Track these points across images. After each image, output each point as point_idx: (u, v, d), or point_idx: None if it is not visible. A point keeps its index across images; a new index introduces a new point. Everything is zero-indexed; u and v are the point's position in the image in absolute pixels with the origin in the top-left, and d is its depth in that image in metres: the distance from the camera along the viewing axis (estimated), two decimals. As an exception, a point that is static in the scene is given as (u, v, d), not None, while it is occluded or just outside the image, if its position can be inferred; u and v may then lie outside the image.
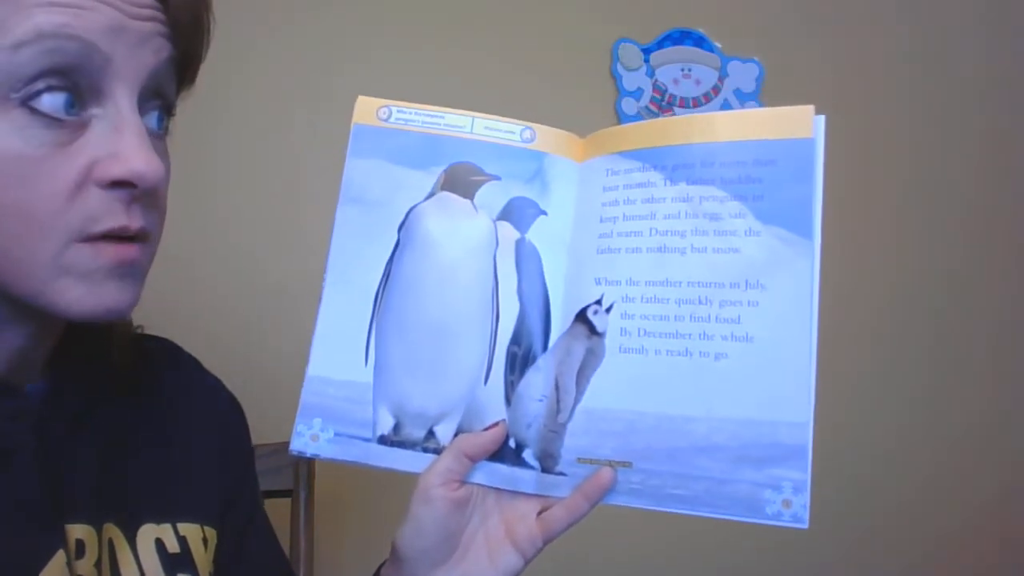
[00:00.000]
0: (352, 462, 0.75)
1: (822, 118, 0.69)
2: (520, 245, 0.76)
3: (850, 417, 1.69)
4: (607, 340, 0.72)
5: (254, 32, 1.42)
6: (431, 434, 0.76)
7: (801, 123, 0.69)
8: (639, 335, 0.71)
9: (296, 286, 1.37)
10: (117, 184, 0.58)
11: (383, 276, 0.76)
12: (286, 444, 0.77)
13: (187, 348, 0.85)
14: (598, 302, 0.73)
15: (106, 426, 0.70)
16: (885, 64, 1.85)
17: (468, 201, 0.77)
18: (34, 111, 0.55)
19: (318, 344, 0.76)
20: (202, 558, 0.73)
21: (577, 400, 0.73)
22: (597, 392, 0.72)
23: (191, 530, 0.73)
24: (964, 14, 1.89)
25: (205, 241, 1.36)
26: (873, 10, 1.85)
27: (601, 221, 0.74)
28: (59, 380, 0.68)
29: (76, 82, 0.56)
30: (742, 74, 1.74)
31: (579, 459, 0.72)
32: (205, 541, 0.74)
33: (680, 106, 1.72)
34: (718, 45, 1.74)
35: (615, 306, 0.72)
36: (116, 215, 0.58)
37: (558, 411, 0.73)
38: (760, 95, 1.74)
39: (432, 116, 0.78)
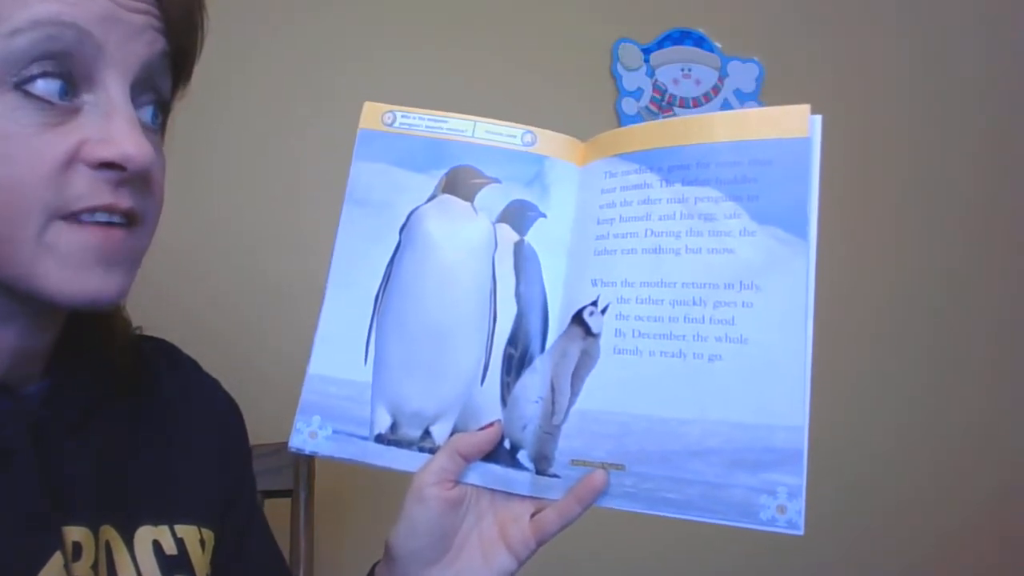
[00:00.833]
0: (349, 460, 0.76)
1: (818, 118, 0.68)
2: (519, 247, 0.77)
3: (849, 416, 1.69)
4: (602, 341, 0.72)
5: (254, 32, 1.43)
6: (427, 434, 0.76)
7: (797, 123, 0.69)
8: (633, 336, 0.71)
9: (296, 286, 1.38)
10: (105, 166, 0.58)
11: (384, 277, 0.77)
12: (286, 444, 0.77)
13: (186, 348, 0.85)
14: (594, 303, 0.73)
15: (104, 428, 0.70)
16: (885, 64, 1.85)
17: (468, 204, 0.77)
18: (27, 94, 0.56)
19: (319, 342, 0.77)
20: (200, 560, 0.73)
21: (572, 402, 0.73)
22: (591, 394, 0.72)
23: (188, 532, 0.73)
24: (964, 14, 1.89)
25: (205, 241, 1.37)
26: (873, 10, 1.85)
27: (598, 223, 0.75)
28: (58, 382, 0.68)
29: (69, 69, 0.57)
30: (742, 74, 1.75)
31: (573, 461, 0.72)
32: (203, 543, 0.74)
33: (680, 106, 1.72)
34: (718, 45, 1.74)
35: (610, 307, 0.72)
36: (102, 194, 0.58)
37: (553, 412, 0.73)
38: (760, 95, 1.74)
39: (435, 120, 0.79)
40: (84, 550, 0.64)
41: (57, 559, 0.61)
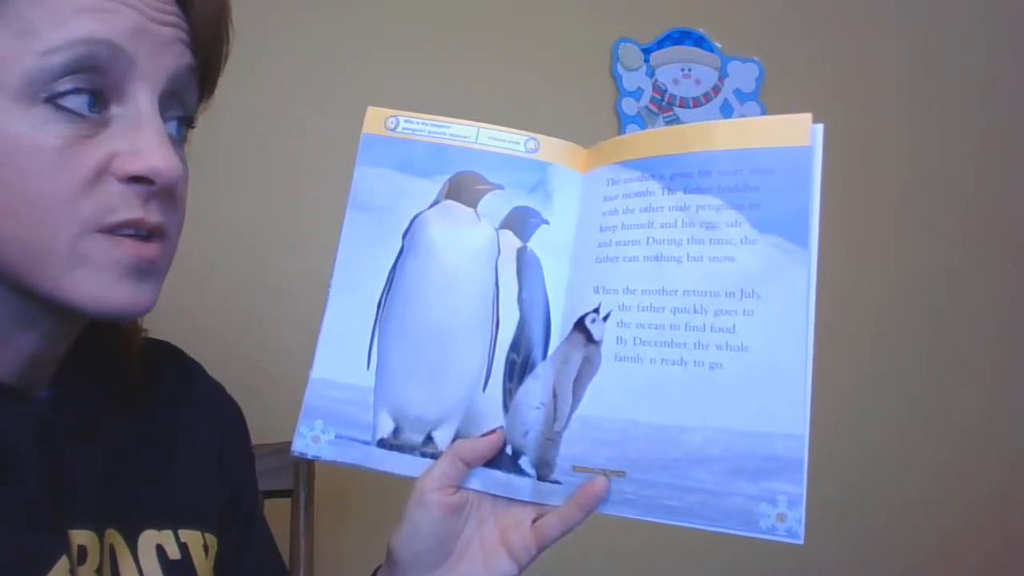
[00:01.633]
0: (351, 464, 0.76)
1: (820, 127, 0.68)
2: (522, 254, 0.77)
3: (850, 417, 1.70)
4: (603, 348, 0.72)
5: (254, 32, 1.42)
6: (429, 439, 0.76)
7: (799, 131, 0.69)
8: (635, 344, 0.71)
9: (297, 287, 1.38)
10: (135, 179, 0.59)
11: (387, 282, 0.77)
12: (287, 444, 0.78)
13: (189, 348, 0.85)
14: (596, 310, 0.73)
15: (110, 432, 0.70)
16: (885, 64, 1.85)
17: (471, 210, 0.77)
18: (58, 107, 0.56)
19: (322, 347, 0.77)
20: (203, 565, 0.74)
21: (573, 408, 0.73)
22: (593, 400, 0.72)
23: (192, 536, 0.74)
24: (964, 14, 1.88)
25: (206, 242, 1.36)
26: (873, 10, 1.85)
27: (601, 230, 0.75)
28: (65, 387, 0.68)
29: (100, 83, 0.58)
30: (742, 74, 1.74)
31: (574, 467, 0.72)
32: (206, 548, 0.75)
33: (680, 106, 1.72)
34: (718, 45, 1.74)
35: (612, 314, 0.73)
36: (132, 208, 0.59)
37: (555, 419, 0.73)
38: (760, 95, 1.74)
39: (438, 126, 0.79)
40: (89, 554, 0.64)
41: (63, 563, 0.61)
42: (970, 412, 1.81)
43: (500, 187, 0.78)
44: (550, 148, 0.79)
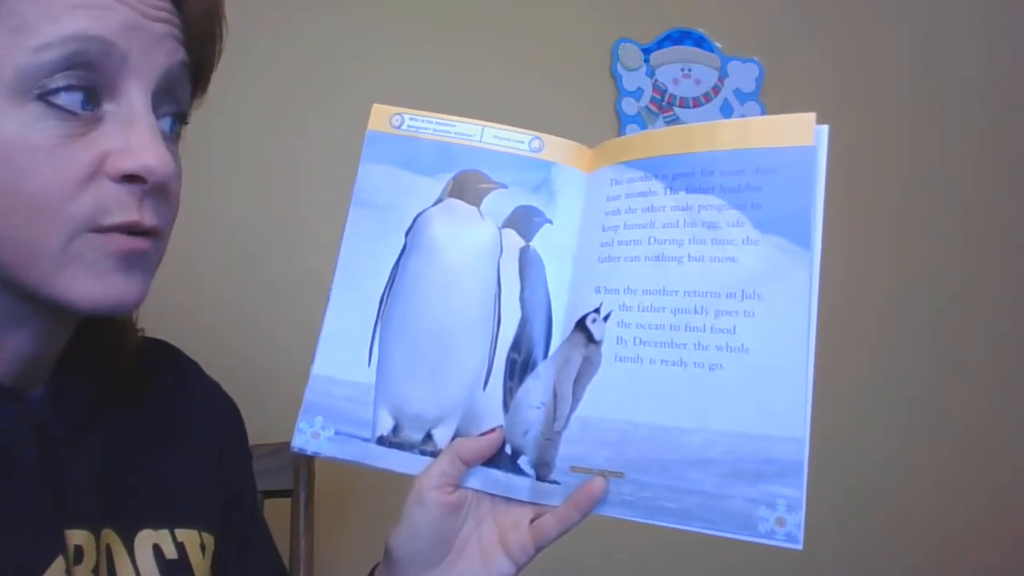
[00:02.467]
0: (351, 461, 0.76)
1: (825, 128, 0.68)
2: (524, 253, 0.77)
3: (850, 419, 1.69)
4: (604, 349, 0.72)
5: (254, 31, 1.42)
6: (429, 437, 0.76)
7: (802, 131, 0.68)
8: (635, 344, 0.71)
9: (297, 286, 1.38)
10: (128, 178, 0.58)
11: (389, 279, 0.78)
12: (286, 444, 0.78)
13: (187, 348, 0.85)
14: (596, 310, 0.73)
15: (106, 431, 0.70)
16: (885, 64, 1.85)
17: (474, 208, 0.77)
18: (50, 104, 0.56)
19: (324, 343, 0.77)
20: (200, 564, 0.74)
21: (573, 408, 0.73)
22: (592, 401, 0.72)
23: (189, 536, 0.74)
24: (964, 14, 1.89)
25: (205, 240, 1.36)
26: (873, 10, 1.85)
27: (603, 230, 0.75)
28: (61, 386, 0.68)
29: (93, 80, 0.57)
30: (742, 74, 1.75)
31: (573, 468, 0.72)
32: (203, 547, 0.75)
33: (680, 106, 1.72)
34: (718, 45, 1.74)
35: (613, 314, 0.72)
36: (128, 210, 0.59)
37: (554, 419, 0.73)
38: (760, 95, 1.74)
39: (443, 124, 0.79)
40: (86, 554, 0.64)
41: (59, 563, 0.61)
42: (970, 414, 1.81)
43: (504, 186, 0.78)
44: (554, 148, 0.79)
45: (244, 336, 1.42)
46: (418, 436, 0.76)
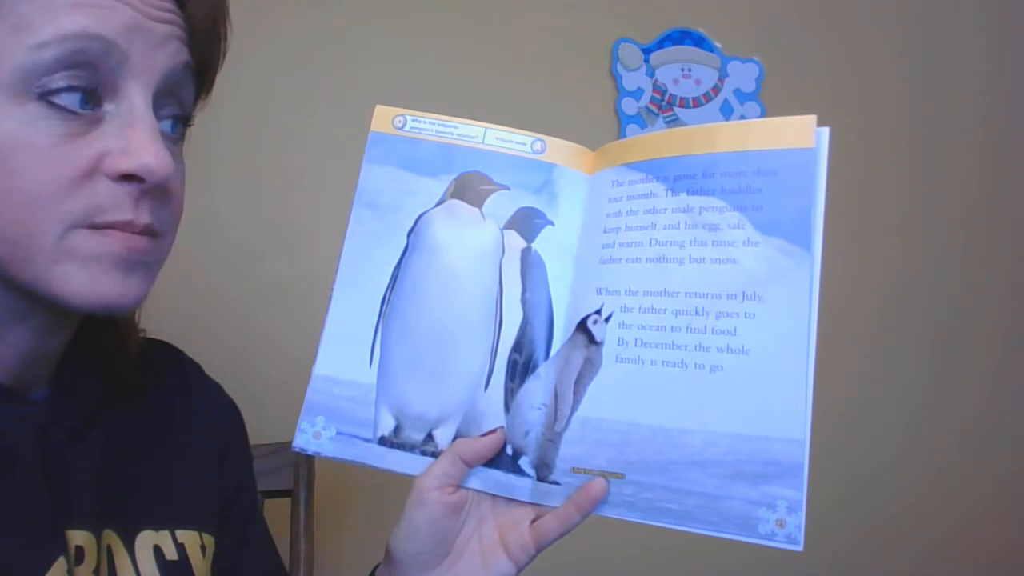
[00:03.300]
0: (352, 461, 0.76)
1: (826, 130, 0.68)
2: (526, 254, 0.77)
3: (849, 421, 1.70)
4: (605, 350, 0.72)
5: (257, 32, 1.42)
6: (430, 437, 0.76)
7: (803, 133, 0.68)
8: (636, 345, 0.71)
9: (298, 286, 1.38)
10: (126, 177, 0.58)
11: (391, 279, 0.78)
12: (286, 444, 0.78)
13: (188, 348, 0.85)
14: (598, 312, 0.73)
15: (108, 432, 0.70)
16: (885, 64, 1.85)
17: (476, 209, 0.78)
18: (51, 104, 0.56)
19: (325, 343, 0.77)
20: (200, 565, 0.74)
21: (574, 409, 0.73)
22: (593, 402, 0.72)
23: (189, 537, 0.74)
24: (964, 14, 1.89)
25: (207, 241, 1.36)
26: (873, 10, 1.85)
27: (605, 232, 0.75)
28: (63, 387, 0.68)
29: (94, 80, 0.57)
30: (742, 74, 1.75)
31: (573, 469, 0.72)
32: (203, 548, 0.75)
33: (680, 106, 1.72)
34: (718, 45, 1.74)
35: (614, 316, 0.72)
36: (123, 209, 0.59)
37: (555, 420, 0.73)
38: (760, 95, 1.74)
39: (445, 126, 0.79)
40: (87, 554, 0.64)
41: (60, 564, 0.61)
42: (970, 414, 1.81)
43: (506, 187, 0.78)
44: (557, 149, 0.79)
45: (245, 336, 1.42)
46: (419, 436, 0.76)
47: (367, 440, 0.76)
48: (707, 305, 0.69)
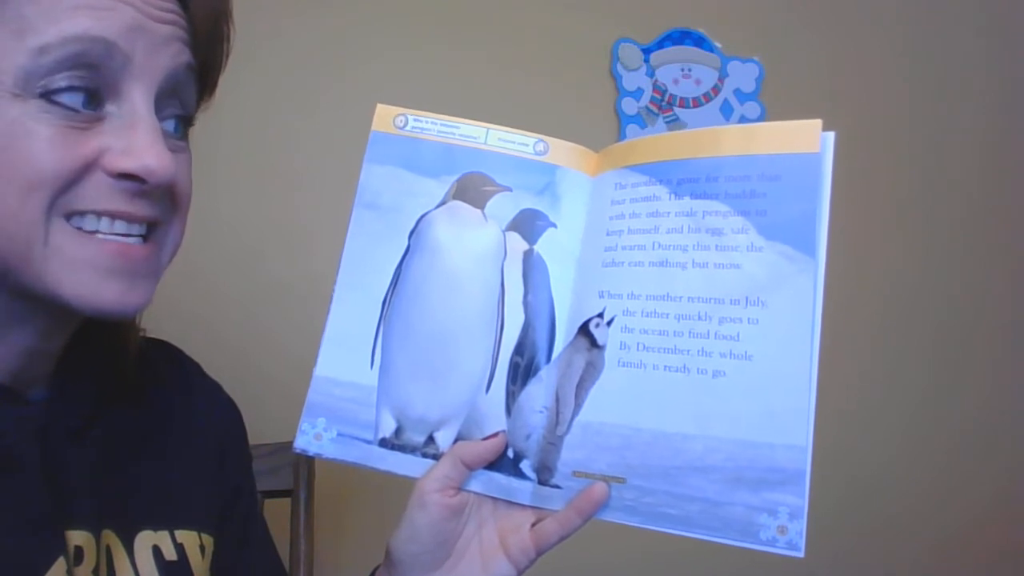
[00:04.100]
0: (353, 463, 0.76)
1: (831, 135, 0.67)
2: (528, 256, 0.77)
3: (851, 420, 1.70)
4: (607, 353, 0.72)
5: (257, 32, 1.42)
6: (431, 440, 0.76)
7: (808, 138, 0.68)
8: (638, 349, 0.71)
9: (298, 286, 1.38)
10: (125, 176, 0.58)
11: (392, 281, 0.77)
12: (286, 444, 0.78)
13: (188, 348, 0.85)
14: (600, 315, 0.73)
15: (107, 432, 0.70)
16: (885, 64, 1.85)
17: (478, 211, 0.77)
18: (52, 103, 0.56)
19: (326, 344, 0.77)
20: (199, 565, 0.74)
21: (575, 413, 0.73)
22: (595, 405, 0.72)
23: (188, 537, 0.74)
24: (964, 14, 1.89)
25: (207, 241, 1.36)
26: (873, 10, 1.85)
27: (607, 234, 0.75)
28: (63, 388, 0.68)
29: (96, 81, 0.58)
30: (742, 74, 1.75)
31: (575, 472, 0.72)
32: (202, 548, 0.75)
33: (680, 106, 1.72)
34: (718, 45, 1.74)
35: (616, 319, 0.72)
36: (116, 201, 0.59)
37: (557, 423, 0.73)
38: (760, 95, 1.74)
39: (447, 126, 0.79)
40: (86, 555, 0.64)
41: (60, 564, 0.61)
42: (970, 415, 1.81)
43: (508, 189, 0.77)
44: (559, 151, 0.78)
45: (245, 336, 1.42)
46: (420, 438, 0.76)
47: (368, 442, 0.76)
48: (710, 310, 0.69)
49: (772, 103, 1.73)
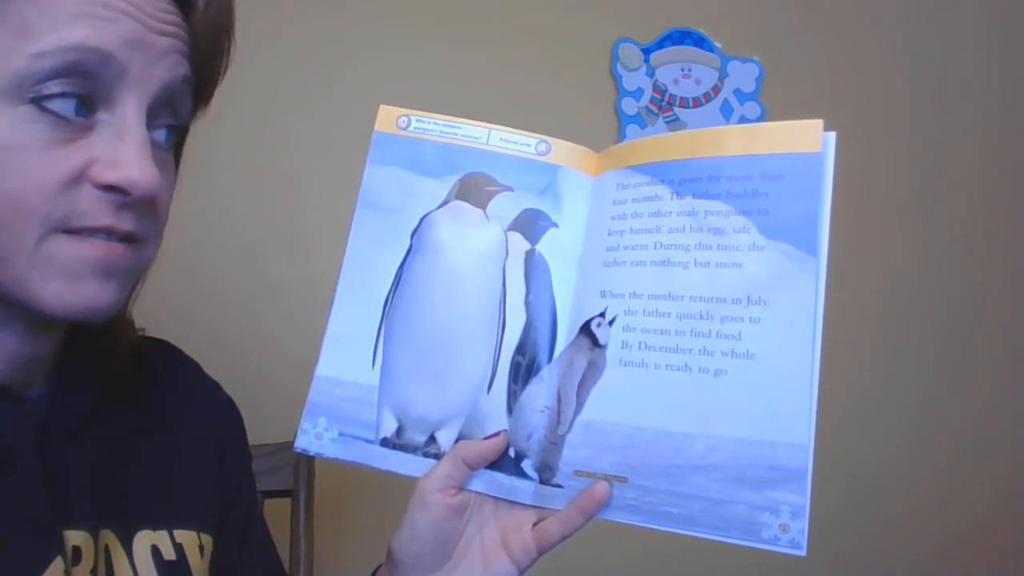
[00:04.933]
0: (354, 463, 0.76)
1: (832, 134, 0.68)
2: (530, 256, 0.77)
3: (851, 420, 1.70)
4: (608, 353, 0.72)
5: (257, 32, 1.42)
6: (432, 439, 0.76)
7: (809, 138, 0.68)
8: (640, 348, 0.71)
9: (298, 286, 1.38)
10: (110, 188, 0.58)
11: (394, 281, 0.77)
12: (286, 444, 0.78)
13: (188, 348, 0.85)
14: (602, 315, 0.73)
15: (105, 432, 0.70)
16: (885, 64, 1.85)
17: (480, 211, 0.77)
18: (43, 109, 0.56)
19: (328, 344, 0.77)
20: (198, 565, 0.74)
21: (577, 412, 0.73)
22: (597, 405, 0.72)
23: (187, 537, 0.74)
24: (963, 14, 1.89)
25: (208, 241, 1.37)
26: (873, 10, 1.85)
27: (609, 234, 0.75)
28: (61, 387, 0.68)
29: (89, 88, 0.57)
30: (742, 74, 1.75)
31: (576, 472, 0.72)
32: (201, 548, 0.75)
33: (680, 106, 1.72)
34: (718, 45, 1.74)
35: (618, 319, 0.72)
36: (103, 215, 0.59)
37: (558, 423, 0.73)
38: (760, 95, 1.74)
39: (449, 126, 0.79)
40: (84, 554, 0.64)
41: (58, 564, 0.61)
42: (970, 415, 1.81)
43: (510, 189, 0.77)
44: (561, 151, 0.78)
45: (245, 336, 1.42)
46: (422, 438, 0.76)
47: (369, 441, 0.76)
48: (712, 309, 0.69)
49: (772, 103, 1.74)
